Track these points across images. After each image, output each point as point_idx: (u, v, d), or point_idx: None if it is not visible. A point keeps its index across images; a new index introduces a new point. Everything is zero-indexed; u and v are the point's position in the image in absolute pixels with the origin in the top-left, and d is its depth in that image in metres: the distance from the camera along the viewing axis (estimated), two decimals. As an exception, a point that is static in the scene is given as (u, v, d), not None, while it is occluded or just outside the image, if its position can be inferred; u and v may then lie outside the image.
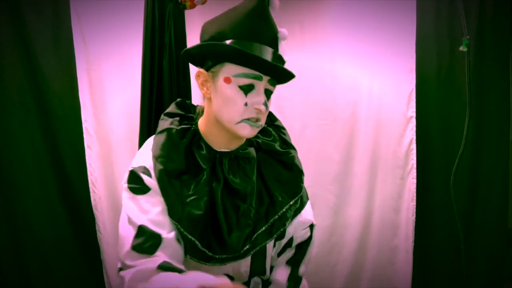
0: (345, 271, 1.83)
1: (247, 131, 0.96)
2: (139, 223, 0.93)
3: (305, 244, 1.15)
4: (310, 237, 1.15)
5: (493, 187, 1.73)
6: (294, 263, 1.14)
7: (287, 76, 0.99)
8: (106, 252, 1.79)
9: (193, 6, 1.52)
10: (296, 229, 1.12)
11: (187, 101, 1.12)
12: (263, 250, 1.06)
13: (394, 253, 1.82)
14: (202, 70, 1.00)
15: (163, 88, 1.54)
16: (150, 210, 0.95)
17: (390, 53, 1.75)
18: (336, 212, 1.82)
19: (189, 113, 1.10)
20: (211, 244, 0.97)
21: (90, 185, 1.76)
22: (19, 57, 1.68)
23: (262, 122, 0.99)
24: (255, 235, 1.01)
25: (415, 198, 1.78)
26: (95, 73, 1.74)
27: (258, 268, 1.07)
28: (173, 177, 0.97)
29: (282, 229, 1.04)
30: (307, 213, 1.14)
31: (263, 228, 1.02)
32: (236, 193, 1.00)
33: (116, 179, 1.78)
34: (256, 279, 1.13)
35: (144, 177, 0.97)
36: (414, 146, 1.76)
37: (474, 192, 1.76)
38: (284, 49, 0.99)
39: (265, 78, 0.96)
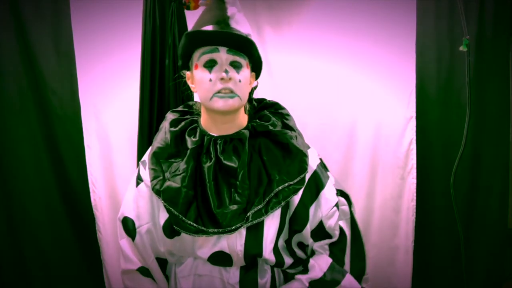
0: (345, 271, 1.83)
1: (220, 104, 1.05)
2: (125, 213, 1.18)
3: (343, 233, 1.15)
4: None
5: (493, 187, 1.73)
6: (338, 252, 1.13)
7: (241, 41, 1.06)
8: (106, 252, 1.79)
9: (196, 7, 1.52)
10: (321, 210, 1.12)
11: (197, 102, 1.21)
12: (258, 229, 1.07)
13: (394, 253, 1.82)
14: (185, 71, 1.17)
15: (165, 88, 1.54)
16: (138, 202, 1.15)
17: (390, 53, 1.75)
18: (336, 212, 1.82)
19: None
20: (202, 217, 1.06)
21: (90, 185, 1.76)
22: (19, 57, 1.69)
23: (238, 92, 1.06)
24: (250, 212, 1.05)
25: (415, 198, 1.78)
26: (95, 73, 1.74)
27: (253, 248, 1.08)
28: (162, 158, 1.12)
29: (276, 207, 1.06)
30: (329, 193, 1.14)
31: (259, 206, 1.05)
32: (228, 170, 1.08)
33: (116, 179, 1.78)
34: (266, 266, 1.14)
35: (141, 168, 1.16)
36: (414, 146, 1.76)
37: (474, 192, 1.75)
38: (239, 25, 1.09)
39: (222, 49, 1.06)
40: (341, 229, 1.14)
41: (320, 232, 1.13)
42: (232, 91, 1.05)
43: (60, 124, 1.74)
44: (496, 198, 1.72)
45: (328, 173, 1.19)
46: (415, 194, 1.78)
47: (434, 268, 1.81)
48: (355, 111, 1.80)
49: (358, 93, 1.78)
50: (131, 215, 1.16)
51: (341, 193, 1.19)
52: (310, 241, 1.14)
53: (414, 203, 1.78)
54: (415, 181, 1.78)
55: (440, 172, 1.75)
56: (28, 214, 1.72)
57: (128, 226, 1.16)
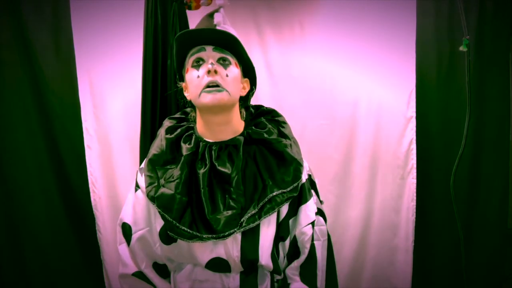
0: (345, 271, 1.83)
1: (208, 98, 1.06)
2: (124, 219, 1.18)
3: (312, 248, 1.15)
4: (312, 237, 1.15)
5: (493, 187, 1.73)
6: (308, 275, 1.14)
7: (227, 39, 1.09)
8: (106, 252, 1.79)
9: (198, 7, 1.52)
10: (297, 224, 1.14)
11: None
12: (254, 234, 1.08)
13: (394, 253, 1.82)
14: (181, 83, 1.19)
15: (167, 87, 1.54)
16: (136, 208, 1.16)
17: (390, 53, 1.75)
18: (336, 212, 1.82)
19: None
20: (196, 223, 1.06)
21: (90, 185, 1.76)
22: (19, 57, 1.68)
23: (225, 87, 1.07)
24: (244, 217, 1.06)
25: (415, 198, 1.78)
26: (95, 73, 1.74)
27: (249, 253, 1.08)
28: (158, 165, 1.13)
29: (270, 213, 1.07)
30: (308, 209, 1.15)
31: (253, 211, 1.06)
32: (223, 177, 1.08)
33: (116, 179, 1.78)
34: (265, 271, 1.15)
35: (138, 174, 1.17)
36: (414, 146, 1.76)
37: (474, 192, 1.75)
38: (226, 30, 1.12)
39: (209, 48, 1.09)
40: (312, 249, 1.15)
41: (292, 246, 1.15)
42: (219, 85, 1.06)
43: (60, 124, 1.74)
44: (496, 198, 1.73)
45: (312, 190, 1.20)
46: (415, 194, 1.78)
47: (434, 268, 1.81)
48: (355, 111, 1.80)
49: (358, 93, 1.78)
50: (129, 220, 1.17)
51: (320, 212, 1.20)
52: (285, 260, 1.17)
53: (414, 203, 1.78)
54: (415, 181, 1.78)
55: (440, 172, 1.75)
56: (28, 214, 1.72)
57: (126, 231, 1.17)
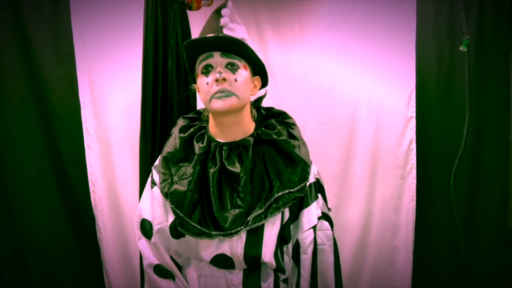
0: (345, 271, 1.82)
1: (218, 105, 1.09)
2: (143, 215, 1.18)
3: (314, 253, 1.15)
4: (315, 242, 1.15)
5: (493, 187, 1.73)
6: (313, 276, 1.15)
7: (233, 43, 1.11)
8: (106, 252, 1.79)
9: (199, 7, 1.53)
10: (299, 230, 1.16)
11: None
12: (258, 233, 1.10)
13: (394, 254, 1.82)
14: (194, 85, 1.22)
15: (168, 88, 1.54)
16: (153, 205, 1.17)
17: (390, 53, 1.75)
18: (336, 212, 1.82)
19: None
20: (206, 220, 1.10)
21: (90, 185, 1.76)
22: (19, 57, 1.69)
23: (235, 91, 1.09)
24: (250, 216, 1.08)
25: (415, 198, 1.78)
26: (95, 73, 1.74)
27: (252, 251, 1.10)
28: (172, 163, 1.16)
29: (276, 213, 1.09)
30: (310, 214, 1.16)
31: (260, 211, 1.08)
32: (232, 176, 1.11)
33: (116, 179, 1.78)
34: (269, 269, 1.16)
35: (154, 172, 1.20)
36: (414, 146, 1.77)
37: (474, 192, 1.75)
38: (232, 32, 1.14)
39: (216, 54, 1.11)
40: (314, 256, 1.14)
41: (295, 251, 1.16)
42: (228, 91, 1.09)
43: (60, 124, 1.74)
44: (496, 198, 1.72)
45: (319, 194, 1.20)
46: (415, 194, 1.78)
47: (434, 268, 1.81)
48: (355, 111, 1.80)
49: (358, 93, 1.79)
50: (148, 217, 1.18)
51: (325, 217, 1.19)
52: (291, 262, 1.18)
53: (414, 203, 1.78)
54: (415, 181, 1.78)
55: (440, 172, 1.75)
56: (28, 214, 1.72)
57: (146, 227, 1.18)
